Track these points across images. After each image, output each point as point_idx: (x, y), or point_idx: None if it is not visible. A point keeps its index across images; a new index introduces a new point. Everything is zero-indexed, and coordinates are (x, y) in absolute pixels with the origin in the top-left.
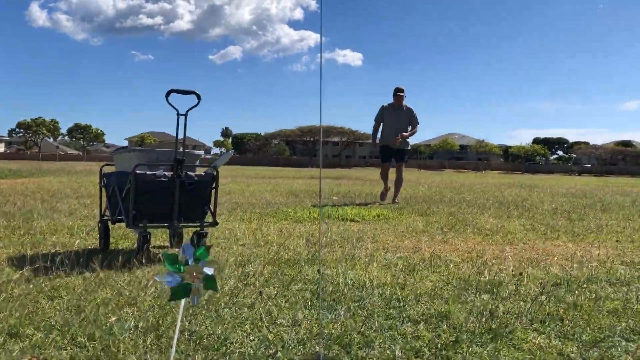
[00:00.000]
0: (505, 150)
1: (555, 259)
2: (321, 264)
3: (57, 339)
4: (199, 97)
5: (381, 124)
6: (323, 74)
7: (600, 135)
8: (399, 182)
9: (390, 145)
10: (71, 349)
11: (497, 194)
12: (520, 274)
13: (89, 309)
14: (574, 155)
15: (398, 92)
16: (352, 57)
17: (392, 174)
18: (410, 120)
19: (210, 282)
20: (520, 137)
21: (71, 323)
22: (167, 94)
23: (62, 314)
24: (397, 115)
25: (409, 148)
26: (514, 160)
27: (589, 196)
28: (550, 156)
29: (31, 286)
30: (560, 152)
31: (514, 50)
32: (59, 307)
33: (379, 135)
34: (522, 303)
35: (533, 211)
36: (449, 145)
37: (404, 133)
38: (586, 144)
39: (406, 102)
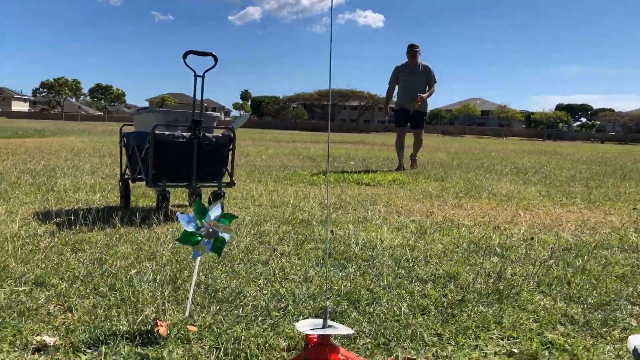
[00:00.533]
0: (528, 116)
1: (568, 224)
2: (328, 224)
3: (80, 288)
4: (215, 58)
5: (396, 87)
6: (342, 35)
7: (626, 102)
8: (417, 144)
9: (408, 108)
10: (93, 298)
11: (516, 160)
12: (532, 238)
13: (110, 262)
14: (598, 123)
15: (412, 48)
16: (373, 19)
17: (408, 139)
18: (427, 79)
19: (219, 246)
20: (543, 103)
21: (93, 274)
22: (185, 56)
23: (85, 266)
24: (413, 75)
25: (427, 111)
26: (536, 126)
27: (609, 164)
28: (573, 123)
29: (56, 239)
30: (583, 119)
31: (539, 13)
32: (82, 260)
33: (394, 99)
34: (530, 266)
35: (551, 178)
36: (470, 111)
37: (422, 95)
38: (611, 110)
39: (422, 60)
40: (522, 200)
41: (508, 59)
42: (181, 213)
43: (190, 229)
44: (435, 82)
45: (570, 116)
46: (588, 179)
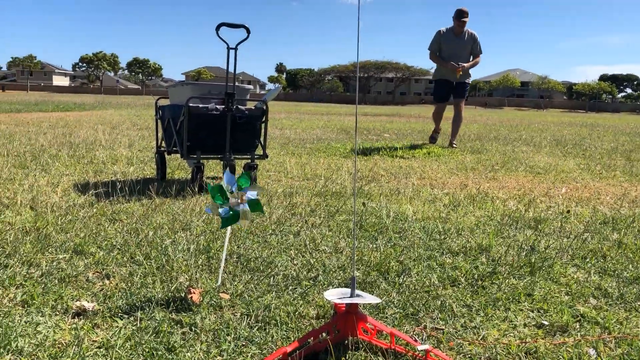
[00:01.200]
0: (569, 87)
1: (607, 198)
2: (355, 194)
3: (117, 257)
4: (248, 30)
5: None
6: (379, 5)
7: None
8: (457, 121)
9: (450, 79)
10: (130, 266)
11: (555, 132)
12: (568, 211)
13: (145, 232)
14: None
15: (462, 18)
16: None
17: (447, 112)
18: (472, 48)
19: (256, 205)
20: (586, 73)
21: (130, 243)
22: (217, 28)
23: (122, 235)
24: (457, 44)
25: (470, 81)
26: (578, 98)
27: None
28: (618, 94)
29: (94, 210)
30: (629, 90)
31: None
32: (119, 229)
33: (431, 71)
34: (565, 239)
35: (591, 150)
36: (510, 82)
37: (465, 64)
38: None
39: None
40: (560, 173)
41: (549, 28)
42: (207, 208)
43: (224, 214)
44: (481, 53)
45: (615, 87)
46: (630, 152)
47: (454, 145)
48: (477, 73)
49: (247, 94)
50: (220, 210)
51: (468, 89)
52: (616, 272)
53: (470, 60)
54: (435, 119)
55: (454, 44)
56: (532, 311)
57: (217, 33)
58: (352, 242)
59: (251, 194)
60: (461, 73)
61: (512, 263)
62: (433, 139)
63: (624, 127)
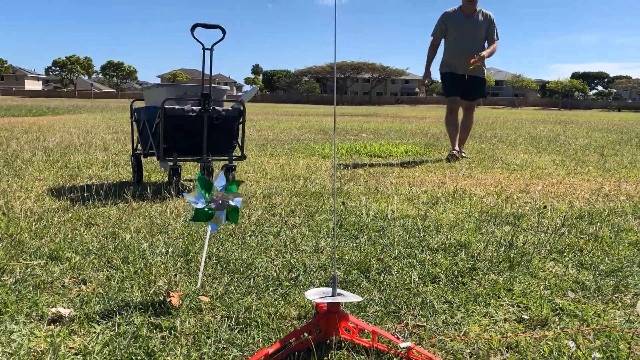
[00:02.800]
0: (543, 85)
1: (582, 193)
2: (335, 195)
3: (94, 261)
4: (223, 31)
5: (442, 41)
6: (355, 6)
7: None
8: (467, 125)
9: (460, 72)
10: (107, 270)
11: (530, 129)
12: (544, 207)
13: (123, 236)
14: (614, 90)
15: None
16: None
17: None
18: (487, 33)
19: (233, 214)
20: (559, 71)
21: (107, 248)
22: (192, 28)
23: (98, 240)
24: (468, 26)
25: (485, 76)
26: (551, 95)
27: (625, 132)
28: (589, 91)
29: (69, 214)
30: (600, 87)
31: None
32: (95, 234)
33: (441, 60)
34: (542, 234)
35: (565, 147)
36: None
37: (482, 52)
38: (628, 78)
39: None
40: (536, 170)
41: (523, 27)
42: (186, 193)
43: (200, 205)
44: (498, 39)
45: (587, 84)
46: (603, 147)
47: (464, 155)
48: None
49: (223, 94)
50: (196, 201)
51: (484, 86)
52: (593, 265)
53: (486, 48)
54: (450, 125)
55: (464, 27)
56: (512, 306)
57: (192, 34)
58: (333, 242)
59: (234, 202)
60: (478, 64)
61: (491, 259)
62: (453, 156)
63: (596, 124)
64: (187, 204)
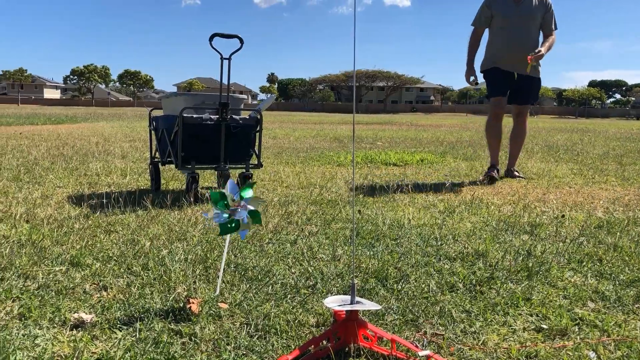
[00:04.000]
0: (559, 93)
1: (601, 202)
2: (354, 201)
3: (114, 268)
4: (241, 40)
5: (485, 32)
6: (369, 16)
7: None
8: (518, 137)
9: (510, 69)
10: (127, 277)
11: (547, 138)
12: (562, 216)
13: (142, 243)
14: (633, 99)
15: None
16: None
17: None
18: (544, 22)
19: (256, 217)
20: (576, 79)
21: (127, 255)
22: (211, 38)
23: (118, 247)
24: (520, 13)
25: (540, 77)
26: (568, 104)
27: None
28: (607, 100)
29: (89, 222)
30: (617, 96)
31: None
32: (115, 241)
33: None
34: (560, 244)
35: (583, 155)
36: None
37: (540, 49)
38: None
39: None
40: (553, 179)
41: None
42: (206, 214)
43: (222, 220)
44: (556, 29)
45: (604, 93)
46: (621, 156)
47: (516, 174)
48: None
49: (241, 103)
50: (218, 216)
51: (539, 87)
52: (613, 275)
53: (541, 43)
54: (490, 136)
55: (514, 15)
56: (531, 315)
57: (211, 43)
58: (351, 249)
59: (252, 206)
60: (534, 63)
61: (509, 268)
62: (490, 177)
63: (614, 132)
64: (208, 210)
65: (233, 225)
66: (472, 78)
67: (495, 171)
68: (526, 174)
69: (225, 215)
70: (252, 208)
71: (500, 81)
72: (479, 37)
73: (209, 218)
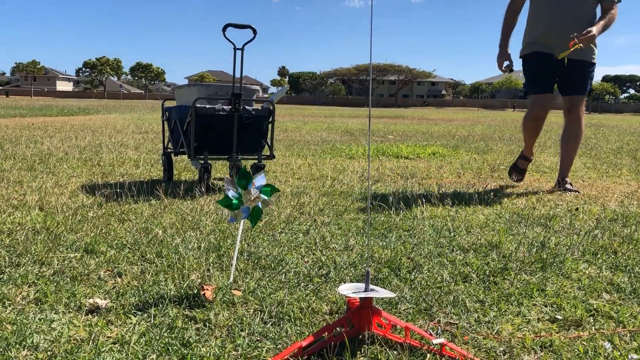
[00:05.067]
0: None
1: (615, 195)
2: (370, 190)
3: (128, 255)
4: (254, 31)
5: (525, 5)
6: (381, 9)
7: None
8: (572, 138)
9: (556, 54)
10: (141, 264)
11: (560, 132)
12: (576, 209)
13: (155, 231)
14: None
15: None
16: None
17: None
18: None
19: (255, 215)
20: None
21: (140, 242)
22: (224, 29)
23: (132, 235)
24: None
25: (595, 60)
26: None
27: None
28: (621, 95)
29: (103, 210)
30: (632, 91)
31: None
32: (128, 229)
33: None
34: (575, 236)
35: (597, 150)
36: (513, 84)
37: (591, 29)
38: None
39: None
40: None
41: None
42: (228, 178)
43: (231, 194)
44: (619, 1)
45: (618, 88)
46: (636, 151)
47: (568, 187)
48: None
49: (254, 94)
50: (241, 212)
51: (592, 75)
52: (628, 267)
53: (597, 19)
54: (529, 126)
55: None
56: (546, 306)
57: (224, 34)
58: (363, 239)
59: (262, 204)
60: (580, 46)
61: (523, 259)
62: (518, 170)
63: (628, 127)
64: (220, 197)
65: (230, 203)
66: (505, 64)
67: (526, 161)
68: (538, 168)
69: (246, 207)
70: (260, 206)
71: (543, 71)
72: (517, 12)
73: (236, 220)
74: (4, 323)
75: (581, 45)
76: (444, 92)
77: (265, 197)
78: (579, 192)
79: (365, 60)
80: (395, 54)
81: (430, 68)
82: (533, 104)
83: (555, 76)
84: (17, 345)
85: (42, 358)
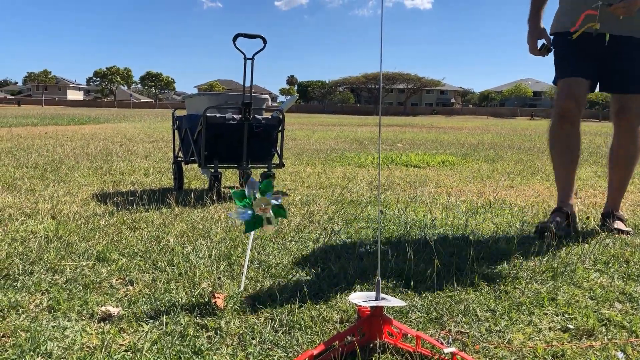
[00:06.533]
0: None
1: (626, 205)
2: (380, 200)
3: (140, 263)
4: (264, 41)
5: None
6: (390, 18)
7: None
8: (623, 155)
9: (595, 30)
10: (153, 272)
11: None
12: (587, 217)
13: (166, 239)
14: None
15: None
16: (421, 1)
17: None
18: None
19: (279, 210)
20: None
21: (152, 250)
22: (234, 38)
23: (143, 243)
24: None
25: None
26: (592, 107)
27: None
28: None
29: (114, 219)
30: None
31: None
32: (140, 237)
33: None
34: (586, 245)
35: (607, 158)
36: (522, 92)
37: None
38: None
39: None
40: (577, 181)
41: None
42: (231, 213)
43: (246, 217)
44: None
45: None
46: None
47: (620, 227)
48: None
49: (263, 103)
50: (242, 213)
51: None
52: None
53: None
54: (557, 143)
55: None
56: (557, 315)
57: (234, 43)
58: (373, 248)
59: (274, 200)
60: (597, 27)
61: (533, 268)
62: (547, 229)
63: None
64: (231, 209)
65: (257, 221)
66: (540, 42)
67: (564, 218)
68: (549, 177)
69: (249, 211)
70: (275, 202)
71: (581, 51)
72: None
73: (233, 217)
74: (18, 330)
75: (597, 26)
76: (453, 100)
77: (272, 215)
78: (631, 232)
79: (373, 68)
80: (404, 63)
81: (439, 76)
82: (558, 93)
83: (591, 61)
84: (31, 352)
85: None
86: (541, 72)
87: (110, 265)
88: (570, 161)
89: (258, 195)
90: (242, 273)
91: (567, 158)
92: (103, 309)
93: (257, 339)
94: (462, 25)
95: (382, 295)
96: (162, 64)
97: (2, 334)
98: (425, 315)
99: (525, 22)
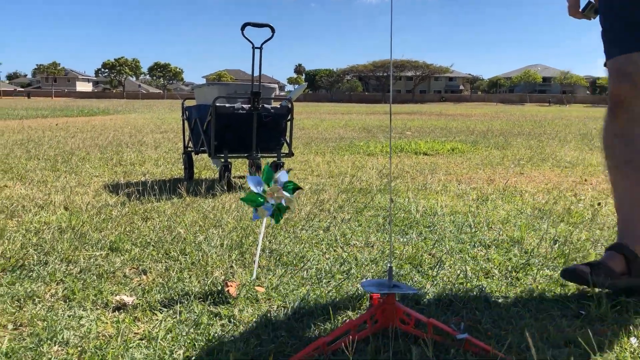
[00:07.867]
0: (593, 82)
1: None
2: (391, 190)
3: (152, 253)
4: (273, 30)
5: None
6: (397, 6)
7: None
8: None
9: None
10: (165, 261)
11: (580, 127)
12: (599, 204)
13: (178, 229)
14: None
15: None
16: None
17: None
18: None
19: (278, 214)
20: None
21: (164, 240)
22: (243, 28)
23: (155, 233)
24: None
25: None
26: (602, 92)
27: None
28: None
29: (127, 209)
30: None
31: None
32: (152, 227)
33: None
34: (598, 231)
35: None
36: (531, 78)
37: None
38: None
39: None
40: (588, 167)
41: (571, 22)
42: (250, 175)
43: (257, 190)
44: None
45: None
46: None
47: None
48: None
49: (272, 92)
50: (266, 209)
51: None
52: None
53: None
54: (614, 158)
55: None
56: (569, 301)
57: (243, 33)
58: (384, 236)
59: (285, 201)
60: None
61: (545, 255)
62: (581, 279)
63: None
64: (248, 210)
65: (258, 201)
66: (584, 3)
67: (623, 261)
68: (559, 163)
69: (270, 204)
70: (283, 204)
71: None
72: None
73: (261, 217)
74: (35, 319)
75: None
76: (461, 87)
77: (288, 195)
78: None
79: (381, 56)
80: (412, 50)
81: (447, 63)
82: (610, 75)
83: None
84: (49, 341)
85: (73, 353)
86: (551, 57)
87: (124, 255)
88: (634, 174)
89: (266, 187)
90: (254, 261)
91: (629, 170)
92: (117, 298)
93: (270, 327)
94: (470, 11)
95: (394, 282)
96: (170, 55)
97: (19, 323)
98: (437, 302)
99: None
